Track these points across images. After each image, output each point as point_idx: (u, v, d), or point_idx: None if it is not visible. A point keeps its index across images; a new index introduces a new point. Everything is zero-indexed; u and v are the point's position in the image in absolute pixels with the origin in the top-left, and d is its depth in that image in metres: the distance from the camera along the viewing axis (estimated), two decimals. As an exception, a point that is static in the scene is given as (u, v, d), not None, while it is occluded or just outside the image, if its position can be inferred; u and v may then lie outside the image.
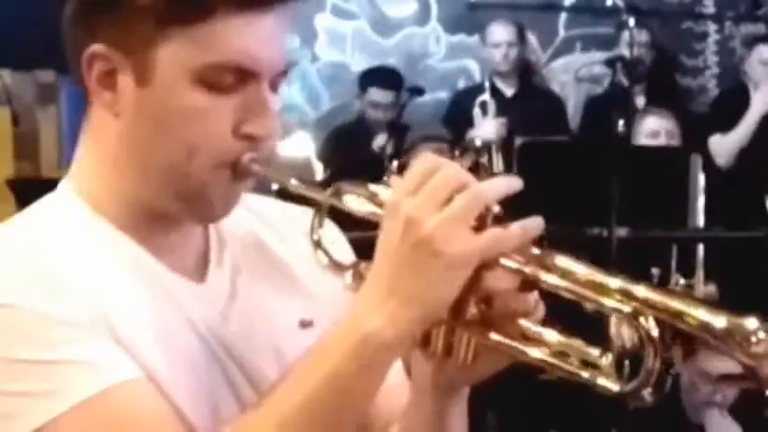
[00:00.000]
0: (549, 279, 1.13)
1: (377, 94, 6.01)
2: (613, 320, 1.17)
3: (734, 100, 5.93)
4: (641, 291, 1.09)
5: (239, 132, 1.25)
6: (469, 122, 5.83)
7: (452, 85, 6.76)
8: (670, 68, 6.58)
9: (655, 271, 3.58)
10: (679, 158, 4.53)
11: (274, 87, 1.28)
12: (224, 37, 1.21)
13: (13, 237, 1.25)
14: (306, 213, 1.34)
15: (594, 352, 1.17)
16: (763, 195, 5.04)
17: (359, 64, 6.63)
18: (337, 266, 1.30)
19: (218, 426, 1.22)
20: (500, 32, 6.18)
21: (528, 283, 1.16)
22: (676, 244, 4.49)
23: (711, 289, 3.71)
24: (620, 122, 4.38)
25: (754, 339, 1.02)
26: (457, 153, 4.96)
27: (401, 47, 6.77)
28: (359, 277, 1.25)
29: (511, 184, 1.14)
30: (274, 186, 1.31)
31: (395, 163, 4.78)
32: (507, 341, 1.18)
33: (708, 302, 1.07)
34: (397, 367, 1.33)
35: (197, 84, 1.22)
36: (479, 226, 1.11)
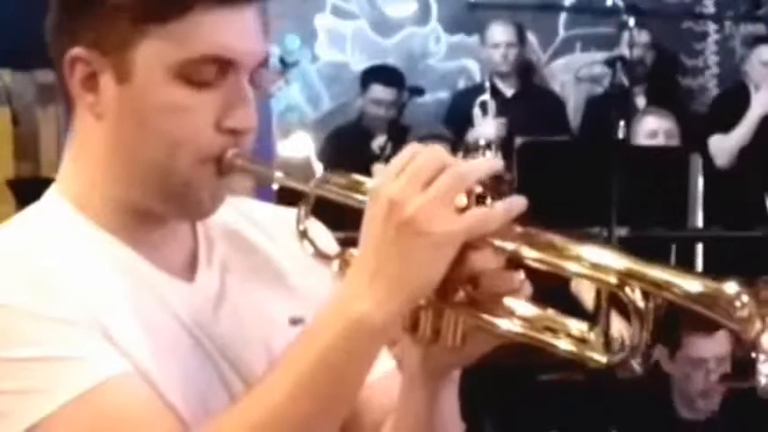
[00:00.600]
0: (534, 255, 1.13)
1: (379, 91, 6.02)
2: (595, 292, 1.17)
3: (734, 100, 5.93)
4: (625, 262, 1.10)
5: (221, 127, 1.25)
6: (470, 122, 5.83)
7: (452, 85, 6.77)
8: (670, 69, 6.58)
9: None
10: (679, 158, 4.54)
11: (254, 82, 1.28)
12: (200, 32, 1.22)
13: (2, 241, 1.26)
14: (294, 214, 1.34)
15: (582, 326, 1.17)
16: (763, 195, 5.04)
17: (359, 64, 6.63)
18: (323, 256, 1.30)
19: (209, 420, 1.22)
20: (500, 33, 6.19)
21: (513, 262, 1.16)
22: (675, 243, 4.50)
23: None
24: (621, 123, 4.38)
25: (738, 304, 1.03)
26: (460, 154, 4.96)
27: (401, 47, 6.77)
28: (346, 265, 1.25)
29: (492, 164, 1.14)
30: (274, 186, 1.31)
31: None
32: (495, 320, 1.18)
33: (691, 272, 1.07)
34: (389, 365, 1.34)
35: (177, 79, 1.23)
36: (463, 206, 1.12)
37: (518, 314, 1.19)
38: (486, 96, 5.87)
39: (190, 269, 1.34)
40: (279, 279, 1.40)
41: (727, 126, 5.68)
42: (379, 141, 5.81)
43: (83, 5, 1.25)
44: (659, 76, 6.20)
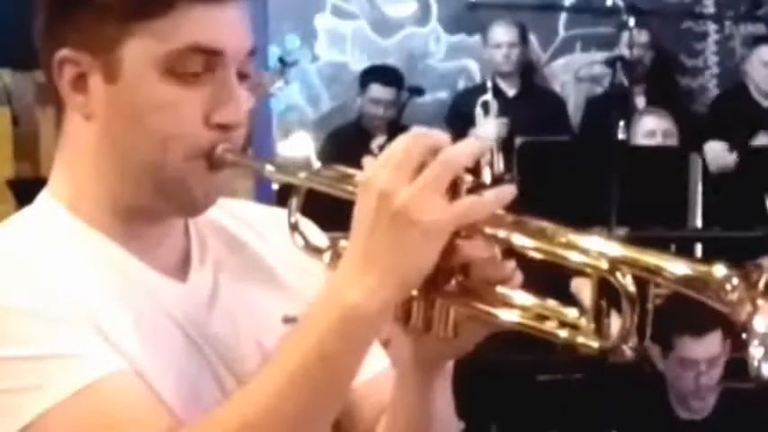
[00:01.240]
0: (525, 242, 1.14)
1: (378, 91, 6.02)
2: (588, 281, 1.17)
3: (734, 100, 5.94)
4: (617, 248, 1.10)
5: (210, 122, 1.26)
6: (471, 122, 5.84)
7: (452, 85, 6.77)
8: (670, 69, 6.58)
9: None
10: (678, 158, 4.54)
11: (243, 76, 1.29)
12: (185, 27, 1.24)
13: None
14: (285, 213, 1.35)
15: (573, 313, 1.17)
16: (762, 195, 5.04)
17: (359, 64, 6.63)
18: (314, 249, 1.31)
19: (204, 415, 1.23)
20: (502, 33, 6.19)
21: (504, 251, 1.17)
22: (675, 243, 4.50)
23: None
24: (620, 123, 4.38)
25: (728, 287, 1.02)
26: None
27: (401, 47, 6.77)
28: (337, 257, 1.25)
29: (479, 146, 1.15)
30: (275, 186, 1.32)
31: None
32: (486, 308, 1.19)
33: (682, 256, 1.07)
34: (383, 364, 1.35)
35: (165, 76, 1.24)
36: (454, 195, 1.12)
37: (510, 302, 1.19)
38: (489, 96, 5.87)
39: (183, 268, 1.35)
40: (271, 278, 1.41)
41: (726, 127, 5.68)
42: (378, 141, 5.81)
43: (69, 7, 1.26)
44: (659, 76, 6.20)
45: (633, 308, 1.09)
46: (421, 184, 1.10)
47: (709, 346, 3.63)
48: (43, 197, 1.33)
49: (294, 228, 1.32)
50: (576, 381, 3.84)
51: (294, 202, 1.32)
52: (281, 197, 1.48)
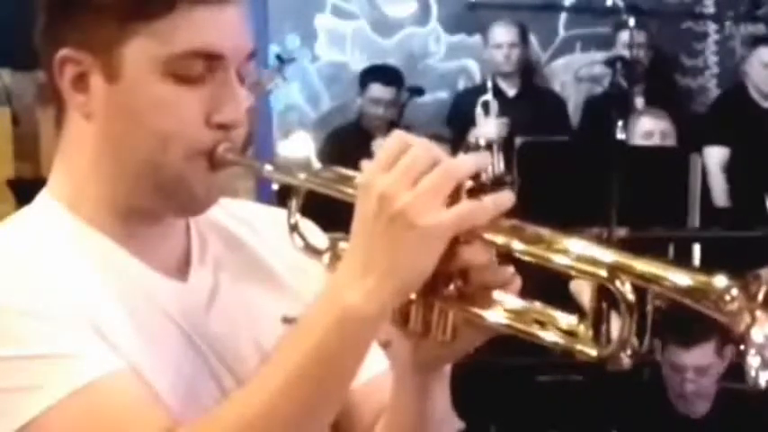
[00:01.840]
0: (524, 248, 1.14)
1: (378, 90, 6.02)
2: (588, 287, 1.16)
3: (734, 100, 5.93)
4: (616, 256, 1.10)
5: (211, 122, 1.27)
6: (471, 123, 5.83)
7: (452, 85, 6.77)
8: (669, 69, 6.58)
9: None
10: (679, 158, 4.54)
11: (242, 78, 1.30)
12: (186, 29, 1.24)
13: None
14: (284, 213, 1.35)
15: (572, 319, 1.17)
16: (763, 195, 5.04)
17: (359, 64, 6.63)
18: (314, 250, 1.31)
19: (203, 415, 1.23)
20: (502, 33, 6.19)
21: (503, 256, 1.17)
22: (675, 243, 4.50)
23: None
24: (620, 123, 4.38)
25: (728, 298, 1.02)
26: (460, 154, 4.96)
27: (401, 47, 6.77)
28: (336, 258, 1.26)
29: (480, 160, 1.15)
30: (275, 186, 1.32)
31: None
32: (484, 313, 1.19)
33: (681, 265, 1.07)
34: (382, 365, 1.34)
35: (165, 76, 1.25)
36: (453, 201, 1.13)
37: (507, 307, 1.19)
38: (489, 96, 5.87)
39: (183, 268, 1.35)
40: (270, 278, 1.41)
41: (725, 129, 5.68)
42: (379, 141, 5.80)
43: (70, 7, 1.27)
44: (657, 76, 6.20)
45: (632, 316, 1.09)
46: (422, 189, 1.11)
47: (698, 357, 3.63)
48: (43, 197, 1.34)
49: (294, 229, 1.32)
50: (576, 382, 3.84)
51: (294, 203, 1.32)
52: (282, 197, 1.48)
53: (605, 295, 1.12)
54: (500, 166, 5.05)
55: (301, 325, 1.18)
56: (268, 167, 1.30)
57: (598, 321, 1.14)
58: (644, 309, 1.09)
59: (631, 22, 5.11)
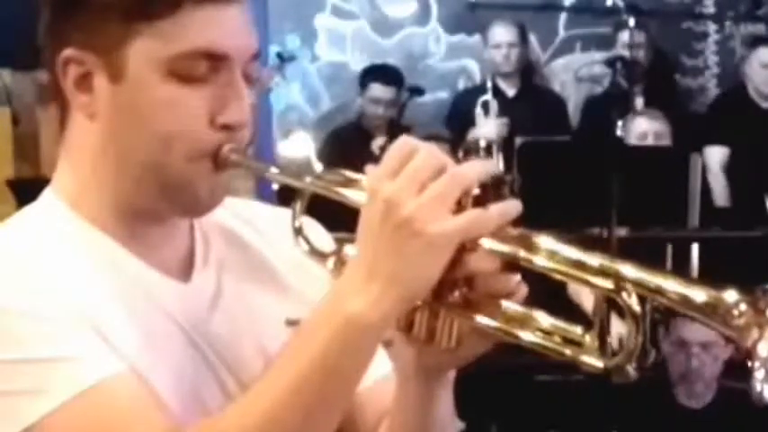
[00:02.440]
0: (530, 258, 1.14)
1: (378, 90, 6.02)
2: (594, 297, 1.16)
3: (733, 100, 5.93)
4: (623, 268, 1.10)
5: (215, 123, 1.26)
6: (471, 123, 5.83)
7: (452, 85, 6.77)
8: (669, 69, 6.58)
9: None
10: (679, 158, 4.54)
11: (247, 78, 1.29)
12: (190, 29, 1.23)
13: None
14: (289, 214, 1.34)
15: (577, 330, 1.17)
16: (763, 195, 5.04)
17: (359, 64, 6.63)
18: (318, 254, 1.31)
19: (205, 419, 1.23)
20: (502, 33, 6.19)
21: (509, 264, 1.16)
22: (675, 244, 4.50)
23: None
24: (619, 123, 4.38)
25: (736, 312, 1.02)
26: (460, 155, 4.97)
27: (401, 47, 6.77)
28: (341, 264, 1.25)
29: (488, 167, 1.15)
30: (275, 186, 1.31)
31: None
32: (490, 322, 1.18)
33: (691, 279, 1.07)
34: (386, 369, 1.34)
35: (169, 76, 1.24)
36: (459, 208, 1.12)
37: (513, 316, 1.19)
38: (489, 96, 5.87)
39: (186, 269, 1.35)
40: (274, 279, 1.40)
41: (725, 129, 5.67)
42: (378, 141, 5.80)
43: (73, 6, 1.26)
44: (657, 76, 6.20)
45: (638, 328, 1.09)
46: (429, 197, 1.10)
47: (704, 331, 3.62)
48: (47, 195, 1.33)
49: (298, 232, 1.31)
50: (576, 381, 3.83)
51: (298, 206, 1.31)
52: (282, 197, 1.47)
53: (610, 305, 1.12)
54: (500, 166, 5.06)
55: (304, 331, 1.17)
56: (273, 170, 1.30)
57: (604, 332, 1.14)
58: (645, 316, 1.08)
59: (631, 22, 5.12)
